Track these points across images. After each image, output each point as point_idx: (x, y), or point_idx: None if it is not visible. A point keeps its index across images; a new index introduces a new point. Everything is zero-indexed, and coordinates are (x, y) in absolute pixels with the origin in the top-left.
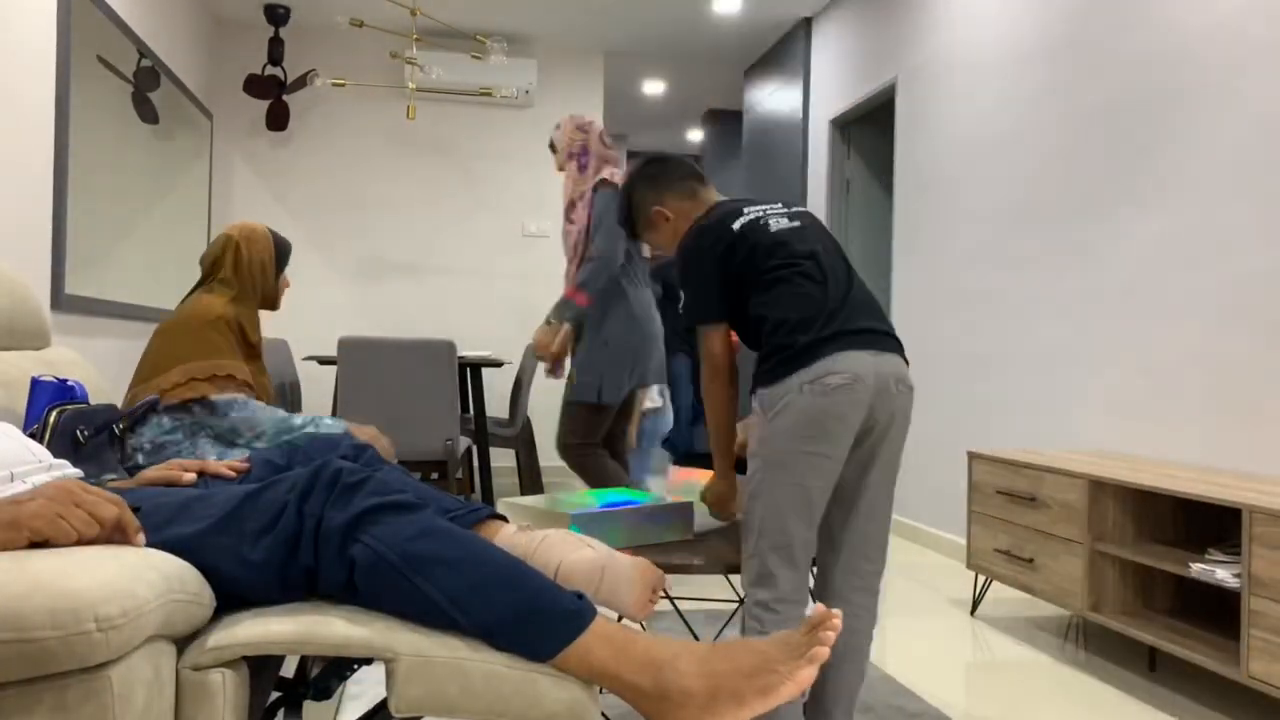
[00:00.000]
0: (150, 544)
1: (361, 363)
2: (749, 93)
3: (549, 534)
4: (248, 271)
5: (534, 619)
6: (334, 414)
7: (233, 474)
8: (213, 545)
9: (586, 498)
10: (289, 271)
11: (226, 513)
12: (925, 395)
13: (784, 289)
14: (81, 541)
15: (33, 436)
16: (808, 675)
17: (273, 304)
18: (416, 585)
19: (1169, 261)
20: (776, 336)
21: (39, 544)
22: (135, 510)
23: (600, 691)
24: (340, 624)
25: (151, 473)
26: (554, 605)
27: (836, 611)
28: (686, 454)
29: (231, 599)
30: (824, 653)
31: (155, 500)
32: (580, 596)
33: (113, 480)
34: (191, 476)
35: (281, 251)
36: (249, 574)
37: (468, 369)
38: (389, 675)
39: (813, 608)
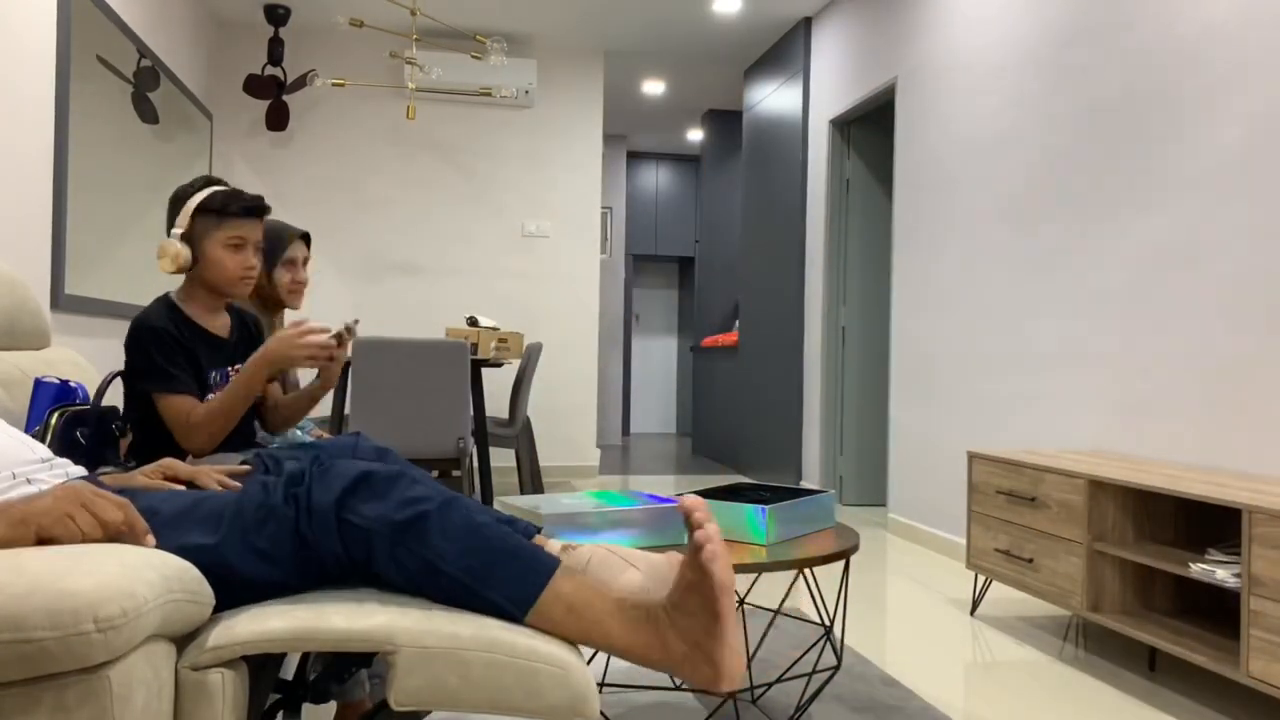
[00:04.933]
0: (164, 548)
1: (376, 362)
2: (749, 93)
3: (594, 554)
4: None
5: (517, 559)
6: (345, 413)
7: (221, 489)
8: (227, 543)
9: (584, 499)
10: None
11: (233, 512)
12: (925, 395)
13: None
14: (87, 541)
15: (34, 438)
16: (721, 569)
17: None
18: (411, 550)
19: (1168, 261)
20: None
21: (45, 541)
22: (152, 514)
23: (601, 690)
24: (338, 619)
25: (143, 479)
26: (534, 553)
27: (696, 500)
28: None
29: (250, 595)
30: (713, 535)
31: (166, 503)
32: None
33: (108, 473)
34: (180, 489)
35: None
36: (263, 566)
37: None
38: (389, 668)
39: (680, 501)
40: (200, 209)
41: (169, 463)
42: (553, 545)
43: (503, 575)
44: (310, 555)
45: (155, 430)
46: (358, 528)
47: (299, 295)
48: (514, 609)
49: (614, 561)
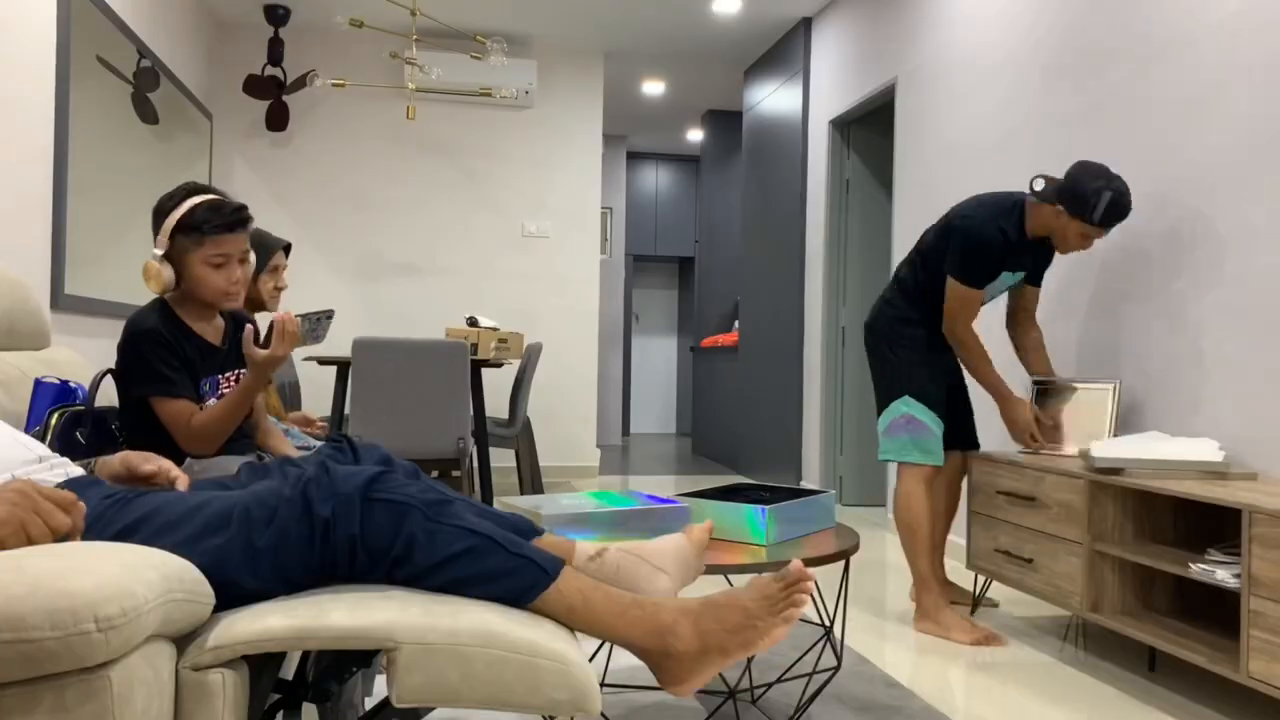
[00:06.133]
0: (167, 548)
1: (375, 362)
2: (748, 93)
3: (620, 564)
4: None
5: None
6: (345, 413)
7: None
8: (233, 543)
9: (584, 499)
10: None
11: (241, 511)
12: None
13: None
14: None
15: (34, 438)
16: (782, 633)
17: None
18: (443, 522)
19: (1167, 261)
20: None
21: None
22: (156, 514)
23: (601, 690)
24: (339, 616)
25: (117, 468)
26: (539, 553)
27: (811, 572)
28: None
29: (253, 595)
30: (797, 614)
31: (171, 504)
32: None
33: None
34: (151, 469)
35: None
36: (266, 562)
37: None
38: (390, 664)
39: (792, 564)
40: (178, 228)
41: (140, 455)
42: (584, 548)
43: (531, 549)
44: (315, 545)
45: (151, 435)
46: (391, 503)
47: (278, 299)
48: (549, 570)
49: (644, 570)
